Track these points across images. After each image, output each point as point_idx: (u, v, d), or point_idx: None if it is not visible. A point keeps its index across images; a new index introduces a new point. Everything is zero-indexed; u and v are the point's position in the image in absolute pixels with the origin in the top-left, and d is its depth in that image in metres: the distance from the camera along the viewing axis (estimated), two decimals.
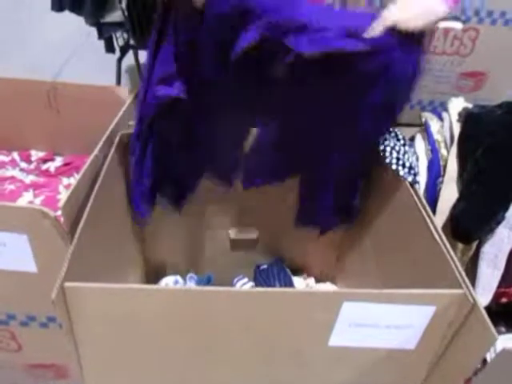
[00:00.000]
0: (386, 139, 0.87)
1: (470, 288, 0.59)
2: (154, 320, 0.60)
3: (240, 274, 1.10)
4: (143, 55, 2.21)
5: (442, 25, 1.30)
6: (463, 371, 0.59)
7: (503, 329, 0.84)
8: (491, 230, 0.68)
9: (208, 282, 1.12)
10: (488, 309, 0.66)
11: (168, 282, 1.10)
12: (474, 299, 0.58)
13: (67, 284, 0.55)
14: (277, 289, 0.57)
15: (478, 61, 1.37)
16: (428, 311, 0.61)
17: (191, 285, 1.09)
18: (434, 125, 0.90)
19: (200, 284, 1.10)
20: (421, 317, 0.61)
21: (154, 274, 1.14)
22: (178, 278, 1.11)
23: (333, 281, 1.17)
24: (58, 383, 0.96)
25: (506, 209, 0.67)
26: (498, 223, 0.66)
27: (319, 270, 1.16)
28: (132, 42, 1.84)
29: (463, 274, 0.61)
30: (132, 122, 0.90)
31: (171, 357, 0.65)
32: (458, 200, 0.71)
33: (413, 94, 1.48)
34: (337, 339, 0.62)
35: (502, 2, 1.27)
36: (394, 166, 0.83)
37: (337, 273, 1.16)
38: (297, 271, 1.15)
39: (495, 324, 0.66)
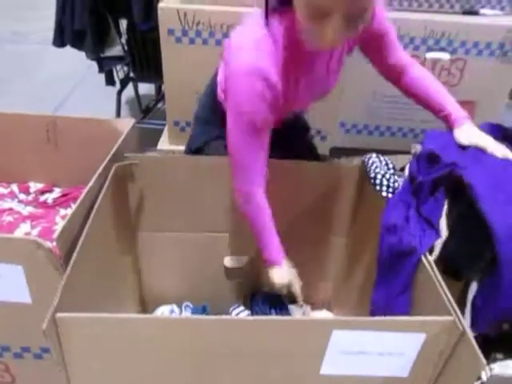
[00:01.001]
0: (376, 167, 0.89)
1: (460, 315, 0.59)
2: (146, 349, 0.60)
3: (236, 302, 1.10)
4: (142, 87, 2.28)
5: (430, 55, 1.35)
6: None
7: (501, 355, 0.83)
8: (481, 269, 0.68)
9: (204, 311, 1.12)
10: (485, 336, 0.66)
11: (164, 311, 1.09)
12: (463, 326, 0.58)
13: (59, 315, 0.56)
14: (265, 317, 0.57)
15: (466, 90, 1.41)
16: (419, 338, 0.61)
17: (187, 314, 1.09)
18: None
19: (195, 313, 1.10)
20: (412, 344, 0.61)
21: (150, 304, 1.14)
22: (174, 307, 1.11)
23: (329, 308, 1.16)
24: None
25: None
26: (487, 262, 0.66)
27: (315, 298, 1.15)
28: (132, 74, 1.90)
29: (453, 302, 0.61)
30: (128, 154, 0.93)
31: None
32: (449, 237, 0.72)
33: (406, 123, 1.51)
34: (328, 368, 0.62)
35: (486, 33, 1.32)
36: (384, 193, 0.85)
37: (333, 300, 1.16)
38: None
39: (493, 351, 0.67)
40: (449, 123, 0.85)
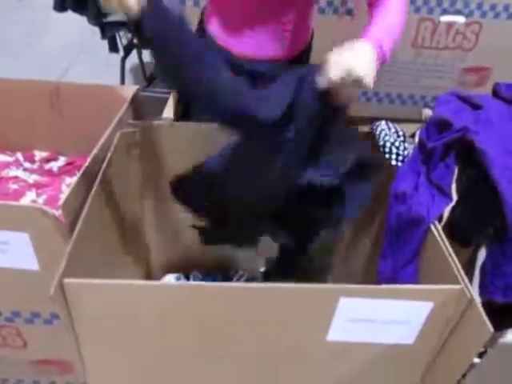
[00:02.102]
0: (386, 135, 0.87)
1: (468, 284, 0.59)
2: (152, 316, 0.60)
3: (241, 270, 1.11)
4: (146, 54, 2.23)
5: (445, 19, 1.29)
6: (461, 365, 0.59)
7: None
8: (489, 235, 0.68)
9: (213, 281, 1.13)
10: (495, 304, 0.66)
11: (170, 279, 1.11)
12: (471, 294, 0.57)
13: (66, 280, 0.56)
14: (273, 284, 0.57)
15: (481, 55, 1.35)
16: (426, 307, 0.61)
17: (198, 282, 1.10)
18: None
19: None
20: (419, 312, 0.61)
21: (157, 272, 1.15)
22: (181, 275, 1.12)
23: (335, 277, 1.17)
24: (63, 378, 0.97)
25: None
26: (496, 228, 0.65)
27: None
28: (135, 41, 1.86)
29: (461, 270, 0.61)
30: (132, 122, 0.91)
31: (171, 352, 0.66)
32: (458, 202, 0.71)
33: (417, 90, 1.47)
34: (335, 334, 0.62)
35: None
36: (393, 162, 0.83)
37: (339, 269, 1.16)
38: None
39: (502, 320, 0.67)
40: None
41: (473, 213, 0.69)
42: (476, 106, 0.76)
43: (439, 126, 0.76)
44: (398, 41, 0.77)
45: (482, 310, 0.55)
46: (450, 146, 0.73)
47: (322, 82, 0.66)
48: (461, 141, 0.71)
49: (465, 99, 0.80)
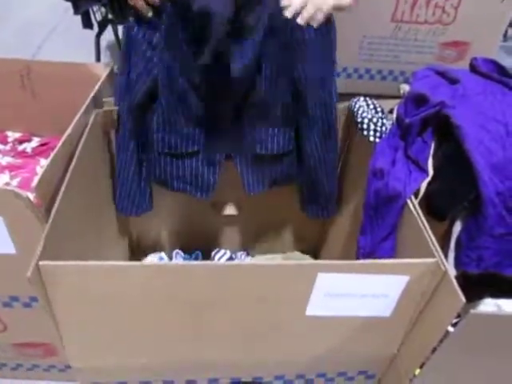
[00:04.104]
0: (364, 111, 0.87)
1: (442, 257, 0.60)
2: (131, 296, 0.60)
3: (222, 248, 1.11)
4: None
5: None
6: (435, 335, 0.61)
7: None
8: (464, 208, 0.69)
9: (195, 259, 1.13)
10: (469, 277, 0.68)
11: (152, 259, 1.10)
12: (445, 268, 0.59)
13: (42, 263, 0.55)
14: (251, 262, 0.58)
15: (460, 30, 1.35)
16: (402, 280, 0.62)
17: (177, 261, 1.10)
18: None
19: (187, 261, 1.11)
20: (395, 286, 0.63)
21: (139, 252, 1.15)
22: (163, 254, 1.12)
23: (316, 252, 1.19)
24: (47, 361, 0.98)
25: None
26: (471, 202, 0.67)
27: (302, 243, 1.17)
28: (110, 16, 1.79)
29: (436, 244, 0.62)
30: (107, 99, 0.89)
31: (151, 331, 0.66)
32: (434, 177, 0.71)
33: (396, 66, 1.46)
34: (313, 309, 0.64)
35: None
36: (371, 138, 0.83)
37: (320, 245, 1.18)
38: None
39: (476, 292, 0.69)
40: None
41: (448, 187, 0.70)
42: (453, 81, 0.76)
43: (416, 101, 0.76)
44: None
45: (455, 282, 0.57)
46: (427, 121, 0.74)
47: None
48: (437, 116, 0.72)
49: (442, 74, 0.80)
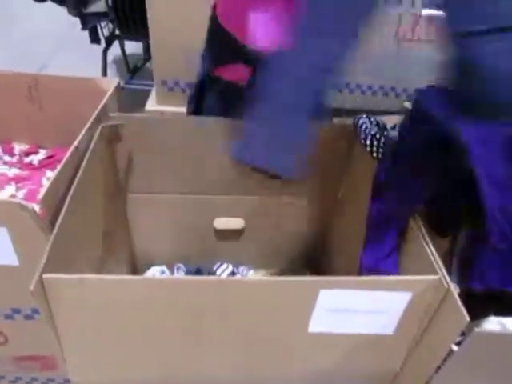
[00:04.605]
0: (367, 127, 0.88)
1: (445, 274, 0.60)
2: (133, 310, 0.60)
3: (224, 262, 1.11)
4: (130, 46, 2.20)
5: (426, 12, 1.30)
6: (439, 353, 0.60)
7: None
8: (467, 223, 0.69)
9: (197, 272, 1.13)
10: (473, 294, 0.67)
11: (154, 272, 1.10)
12: (448, 284, 0.59)
13: (46, 276, 0.56)
14: (253, 278, 0.58)
15: None
16: (405, 297, 0.62)
17: (179, 275, 1.10)
18: None
19: (189, 274, 1.10)
20: (398, 302, 0.62)
21: (141, 265, 1.15)
22: (165, 268, 1.12)
23: (317, 268, 1.18)
24: (45, 375, 0.97)
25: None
26: (473, 216, 0.67)
27: (304, 258, 1.17)
28: (117, 32, 1.83)
29: (439, 260, 0.62)
30: (113, 114, 0.90)
31: (154, 346, 0.66)
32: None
33: (399, 83, 1.48)
34: (316, 326, 0.63)
35: None
36: (374, 154, 0.84)
37: (321, 260, 1.17)
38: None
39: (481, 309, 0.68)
40: None
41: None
42: (456, 99, 0.77)
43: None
44: None
45: (458, 299, 0.56)
46: (429, 138, 0.74)
47: None
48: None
49: (444, 92, 0.81)
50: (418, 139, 0.75)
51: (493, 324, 0.72)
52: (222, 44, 0.93)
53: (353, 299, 0.61)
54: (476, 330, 0.53)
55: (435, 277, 0.59)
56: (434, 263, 0.61)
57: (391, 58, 1.39)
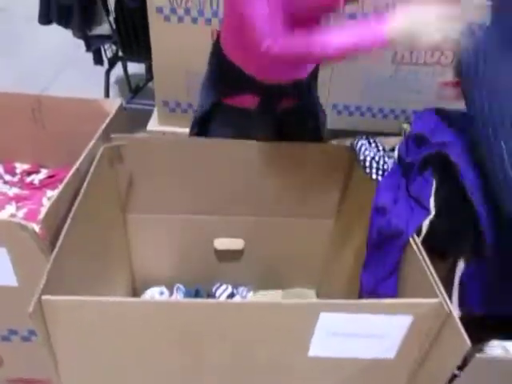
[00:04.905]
0: (366, 149, 0.89)
1: (446, 297, 0.60)
2: (131, 332, 0.60)
3: (224, 283, 1.11)
4: (132, 66, 2.23)
5: None
6: (440, 378, 0.59)
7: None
8: (467, 247, 0.69)
9: (197, 294, 1.12)
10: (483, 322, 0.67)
11: (153, 292, 1.10)
12: (449, 308, 0.58)
13: (45, 297, 0.55)
14: (252, 300, 0.57)
15: None
16: (405, 320, 0.61)
17: (179, 296, 1.09)
18: None
19: (188, 296, 1.10)
20: (399, 326, 0.62)
21: (140, 285, 1.14)
22: (164, 289, 1.11)
23: (318, 290, 1.17)
24: None
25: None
26: (473, 240, 0.67)
27: (304, 279, 1.16)
28: (120, 53, 1.86)
29: (439, 283, 0.62)
30: (115, 135, 0.91)
31: (152, 369, 0.65)
32: (435, 216, 0.72)
33: (397, 105, 1.50)
34: (316, 350, 0.62)
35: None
36: (373, 176, 0.84)
37: (321, 282, 1.17)
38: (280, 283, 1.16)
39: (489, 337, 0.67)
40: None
41: (450, 226, 0.71)
42: (452, 122, 0.78)
43: (417, 140, 0.78)
44: None
45: (459, 323, 0.56)
46: (427, 161, 0.75)
47: None
48: (438, 155, 0.73)
49: (442, 115, 0.82)
50: (417, 159, 0.75)
51: (495, 348, 0.71)
52: (229, 76, 0.94)
53: (353, 323, 0.60)
54: (478, 355, 0.53)
55: (436, 300, 0.59)
56: (435, 286, 0.61)
57: (390, 81, 1.41)
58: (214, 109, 0.98)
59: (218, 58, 0.94)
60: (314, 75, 1.01)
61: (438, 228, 0.72)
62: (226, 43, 0.92)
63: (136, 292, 1.13)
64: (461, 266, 0.71)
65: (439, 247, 0.72)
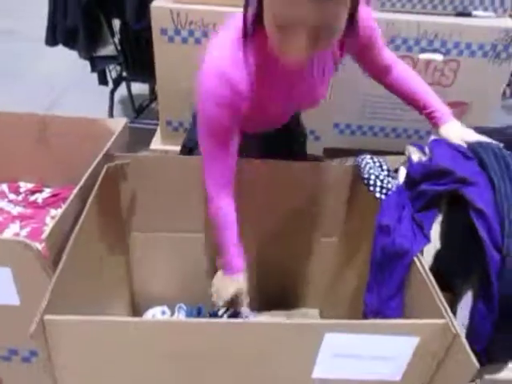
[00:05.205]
0: (370, 168, 0.89)
1: (452, 318, 0.59)
2: (133, 352, 0.59)
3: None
4: (136, 87, 2.26)
5: (423, 56, 1.35)
6: None
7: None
8: (474, 283, 0.68)
9: (198, 313, 1.11)
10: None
11: (155, 312, 1.08)
12: (456, 329, 0.58)
13: (47, 317, 0.55)
14: (255, 320, 0.57)
15: (460, 91, 1.41)
16: (412, 342, 0.60)
17: (180, 315, 1.08)
18: (416, 160, 0.90)
19: (190, 315, 1.08)
20: (405, 347, 0.61)
21: (142, 305, 1.13)
22: (166, 308, 1.10)
23: (321, 310, 1.16)
24: None
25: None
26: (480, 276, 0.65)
27: (308, 299, 1.15)
28: (125, 74, 1.89)
29: (445, 303, 0.61)
30: (119, 154, 0.92)
31: None
32: (442, 247, 0.71)
33: (399, 124, 1.51)
34: (320, 371, 0.61)
35: (479, 35, 1.32)
36: (377, 195, 0.84)
37: (324, 301, 1.15)
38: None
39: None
40: (434, 120, 0.86)
41: (457, 259, 0.69)
42: (467, 157, 0.77)
43: (436, 172, 0.75)
44: None
45: (467, 345, 0.55)
46: (442, 193, 0.74)
47: None
48: (454, 190, 0.72)
49: (453, 146, 0.81)
50: (431, 190, 0.74)
51: (504, 370, 0.69)
52: None
53: (358, 344, 0.59)
54: (487, 377, 0.52)
55: (443, 321, 0.58)
56: (441, 307, 0.60)
57: (391, 100, 1.42)
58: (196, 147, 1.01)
59: None
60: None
61: (443, 259, 0.71)
62: None
63: (137, 311, 1.12)
64: (467, 300, 0.69)
65: (443, 279, 0.70)
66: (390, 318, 0.71)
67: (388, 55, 0.89)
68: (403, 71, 0.91)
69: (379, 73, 0.91)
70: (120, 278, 1.01)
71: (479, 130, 0.84)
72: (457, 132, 0.82)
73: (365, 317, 0.81)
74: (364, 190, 0.88)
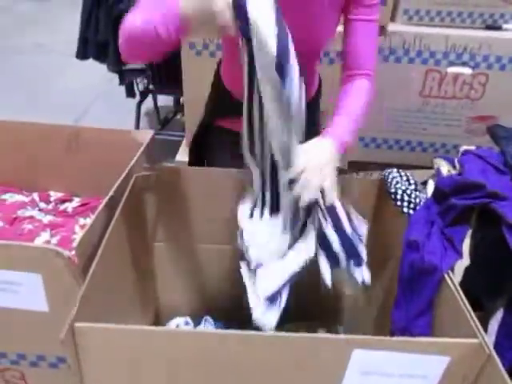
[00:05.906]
0: (397, 182, 0.88)
1: (486, 338, 0.57)
2: (161, 361, 0.59)
3: None
4: (160, 99, 2.31)
5: (451, 70, 1.34)
6: None
7: None
8: (505, 303, 0.66)
9: (225, 327, 1.10)
10: None
11: (179, 322, 1.09)
12: (489, 349, 0.56)
13: (77, 324, 0.56)
14: (285, 333, 0.56)
15: (488, 105, 1.39)
16: (442, 361, 0.59)
17: (207, 328, 1.08)
18: (446, 173, 0.89)
19: (216, 328, 1.08)
20: (435, 367, 0.59)
21: (164, 315, 1.13)
22: (188, 319, 1.10)
23: (347, 327, 1.14)
24: None
25: None
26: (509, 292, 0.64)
27: (332, 315, 1.13)
28: (151, 86, 1.93)
29: (477, 322, 0.59)
30: (147, 165, 0.93)
31: None
32: (472, 263, 0.70)
33: (425, 137, 1.49)
34: None
35: (510, 47, 1.30)
36: (405, 209, 0.83)
37: (351, 318, 1.13)
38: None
39: None
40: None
41: (487, 276, 0.68)
42: (499, 170, 0.76)
43: (468, 185, 0.75)
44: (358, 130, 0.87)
45: (501, 365, 0.53)
46: (472, 207, 0.73)
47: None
48: (485, 204, 0.70)
49: (484, 160, 0.79)
50: (461, 204, 0.73)
51: None
52: (222, 98, 1.02)
53: (387, 361, 0.58)
54: None
55: (475, 340, 0.57)
56: (473, 326, 0.59)
57: (417, 114, 1.41)
58: (205, 131, 1.06)
59: (215, 82, 1.04)
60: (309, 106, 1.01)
61: (473, 276, 0.70)
62: (222, 68, 1.02)
63: (160, 321, 1.13)
64: (497, 317, 0.67)
65: (473, 297, 0.68)
66: (418, 336, 0.70)
67: (365, 58, 0.88)
68: (357, 88, 0.88)
69: (347, 67, 0.89)
70: (145, 287, 1.02)
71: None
72: (309, 148, 0.77)
73: (392, 334, 0.80)
74: (390, 205, 0.87)
